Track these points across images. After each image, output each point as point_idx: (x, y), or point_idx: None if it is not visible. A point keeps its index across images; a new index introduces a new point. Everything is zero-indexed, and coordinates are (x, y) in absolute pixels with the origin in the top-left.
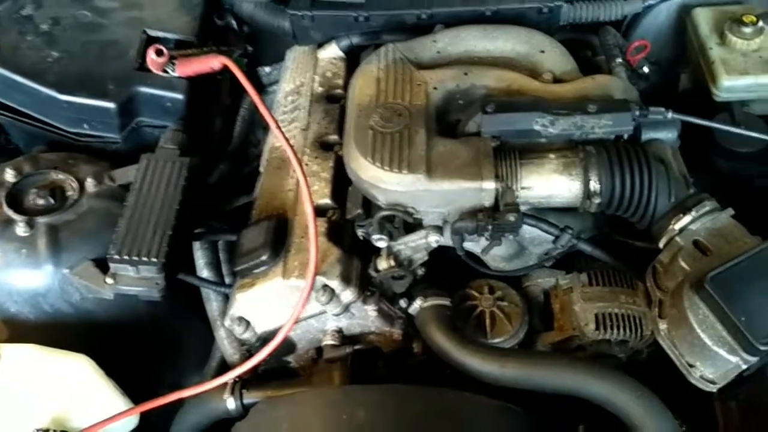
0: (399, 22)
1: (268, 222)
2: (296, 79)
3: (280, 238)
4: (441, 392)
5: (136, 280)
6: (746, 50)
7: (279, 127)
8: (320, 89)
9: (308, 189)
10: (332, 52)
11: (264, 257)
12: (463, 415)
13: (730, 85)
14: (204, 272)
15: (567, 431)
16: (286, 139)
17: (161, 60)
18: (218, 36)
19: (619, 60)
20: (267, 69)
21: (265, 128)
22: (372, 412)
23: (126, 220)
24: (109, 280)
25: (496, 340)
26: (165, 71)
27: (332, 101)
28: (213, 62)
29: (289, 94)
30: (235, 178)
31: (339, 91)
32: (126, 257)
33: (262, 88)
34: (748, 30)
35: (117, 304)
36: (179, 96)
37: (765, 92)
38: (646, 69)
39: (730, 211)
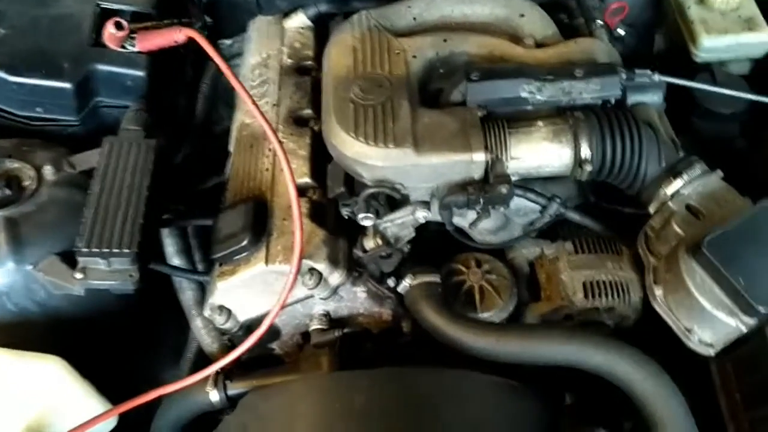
0: None
1: (245, 205)
2: (262, 52)
3: (260, 222)
4: (439, 372)
5: (108, 273)
6: (725, 9)
7: (255, 103)
8: (289, 61)
9: (289, 167)
10: (299, 21)
11: (245, 242)
12: (463, 393)
13: (710, 45)
14: (174, 260)
15: (556, 401)
16: (263, 116)
17: (121, 34)
18: (176, 7)
19: (600, 22)
20: (227, 41)
21: (229, 105)
22: (370, 397)
23: (92, 210)
24: (79, 275)
25: (486, 315)
26: (123, 47)
27: (303, 73)
28: (177, 35)
29: (256, 68)
30: (200, 159)
31: (309, 62)
32: (96, 250)
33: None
34: None
35: (87, 300)
36: (140, 73)
37: (744, 52)
38: (621, 31)
39: (720, 173)
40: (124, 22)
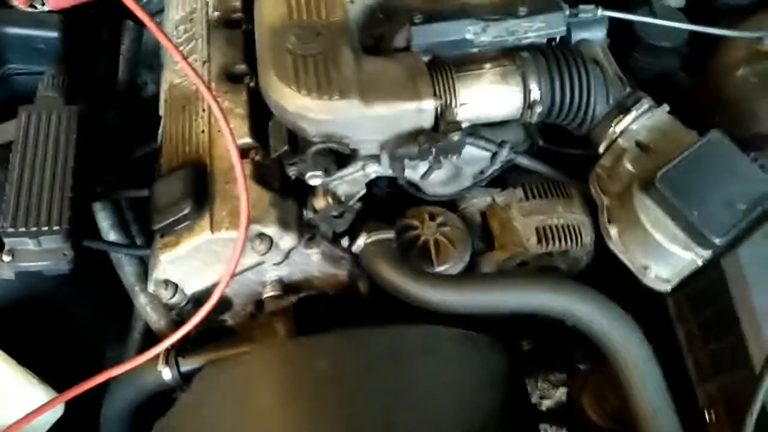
0: None
1: (183, 171)
2: (186, 6)
3: (201, 188)
4: (399, 329)
5: (39, 253)
6: None
7: (185, 58)
8: (216, 14)
9: (229, 127)
10: None
11: (186, 210)
12: (426, 348)
13: None
14: (110, 235)
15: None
16: (194, 70)
17: None
18: None
19: None
20: None
21: (152, 68)
22: (332, 361)
23: (14, 186)
24: (6, 258)
25: (443, 267)
26: (32, 6)
27: (232, 27)
28: None
29: (180, 23)
30: (128, 127)
31: (238, 14)
32: (23, 229)
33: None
34: None
35: (18, 283)
36: (53, 33)
37: None
38: None
39: (666, 107)
40: None
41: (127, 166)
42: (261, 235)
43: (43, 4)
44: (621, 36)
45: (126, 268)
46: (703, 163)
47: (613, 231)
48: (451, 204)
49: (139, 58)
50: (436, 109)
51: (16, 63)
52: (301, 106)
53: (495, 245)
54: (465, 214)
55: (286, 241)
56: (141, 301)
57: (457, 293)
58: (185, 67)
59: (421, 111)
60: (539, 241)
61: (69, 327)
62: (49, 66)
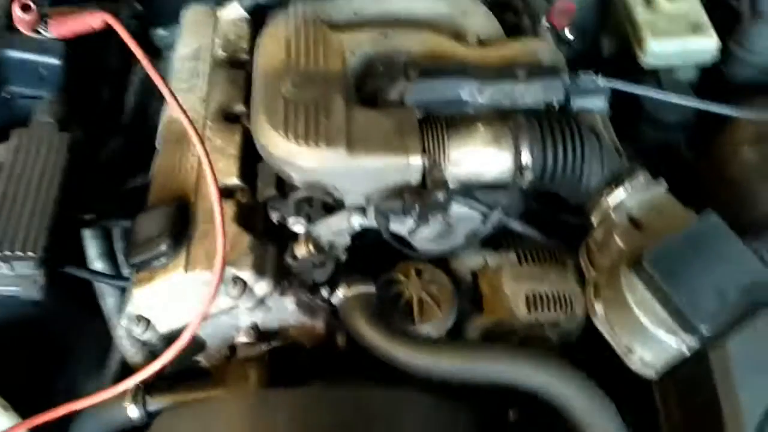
0: None
1: (166, 207)
2: (194, 43)
3: (181, 225)
4: (371, 391)
5: (12, 278)
6: (673, 13)
7: (173, 94)
8: (222, 53)
9: (211, 165)
10: (235, 12)
11: (163, 247)
12: (394, 415)
13: (656, 49)
14: (96, 264)
15: (498, 417)
16: (182, 108)
17: (29, 18)
18: None
19: (546, 23)
20: (162, 31)
21: (163, 98)
22: (294, 417)
23: None
24: None
25: (426, 328)
26: (37, 31)
27: (236, 67)
28: (92, 20)
29: (186, 60)
30: (131, 155)
31: (244, 55)
32: None
33: (157, 53)
34: None
35: None
36: (55, 61)
37: (691, 58)
38: (568, 33)
39: (664, 183)
40: (32, 4)
41: (123, 196)
42: (235, 279)
43: (48, 31)
44: (626, 105)
45: (108, 298)
46: (696, 245)
47: (599, 308)
48: (442, 261)
49: (151, 87)
50: (424, 166)
51: (18, 86)
52: (287, 152)
53: (484, 309)
54: (456, 272)
55: (261, 286)
56: (119, 332)
57: (433, 358)
58: (171, 100)
59: (408, 166)
60: (528, 308)
61: (43, 353)
62: (49, 91)
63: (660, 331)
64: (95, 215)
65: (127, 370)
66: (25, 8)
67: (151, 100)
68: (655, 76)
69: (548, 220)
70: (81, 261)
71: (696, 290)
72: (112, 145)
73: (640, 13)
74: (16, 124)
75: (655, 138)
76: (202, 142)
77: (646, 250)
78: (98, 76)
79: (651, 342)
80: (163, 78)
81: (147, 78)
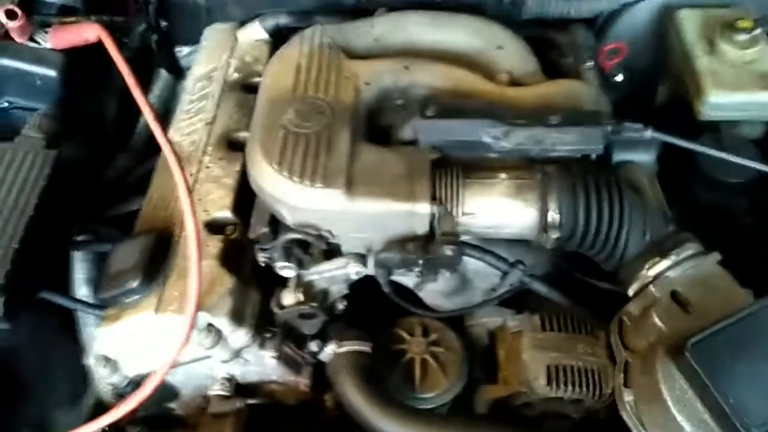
0: (336, 2)
1: (145, 238)
2: (210, 63)
3: (157, 260)
4: None
5: None
6: (738, 61)
7: (157, 118)
8: (236, 75)
9: (190, 198)
10: (255, 32)
11: (134, 283)
12: None
13: (718, 102)
14: (81, 289)
15: None
16: (164, 134)
17: (16, 24)
18: (112, 4)
19: (591, 63)
20: (186, 49)
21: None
22: None
23: None
24: None
25: (427, 396)
26: (35, 41)
27: (249, 91)
28: (87, 32)
29: (200, 80)
30: (137, 176)
31: (258, 79)
32: None
33: (179, 71)
34: (741, 38)
35: None
36: (51, 72)
37: (757, 112)
38: (619, 77)
39: (717, 255)
40: (18, 11)
41: (122, 218)
42: (210, 326)
43: (47, 41)
44: (678, 161)
45: (88, 328)
46: (749, 335)
47: (629, 398)
48: (457, 319)
49: (169, 105)
50: (433, 215)
51: (14, 97)
52: (279, 189)
53: (498, 377)
54: (471, 332)
55: (237, 337)
56: (90, 363)
57: None
58: (153, 125)
59: (414, 215)
60: (549, 382)
61: (13, 383)
62: (45, 104)
63: None
64: (89, 238)
65: (104, 406)
66: (10, 15)
67: (166, 121)
68: (714, 131)
69: (578, 283)
70: (64, 285)
71: (745, 389)
72: (118, 165)
73: (701, 60)
74: (11, 135)
75: (710, 201)
76: (182, 170)
77: (690, 336)
78: (104, 92)
79: None
80: (146, 99)
81: (165, 97)
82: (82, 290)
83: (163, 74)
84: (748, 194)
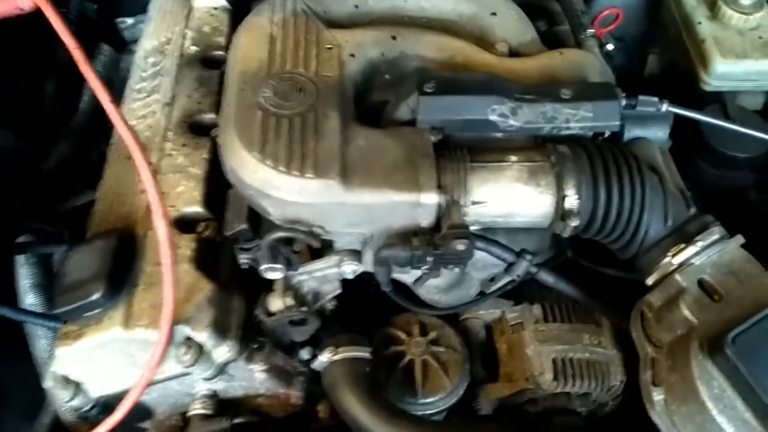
0: None
1: (105, 240)
2: (161, 34)
3: (120, 266)
4: None
5: None
6: (743, 27)
7: (114, 101)
8: (193, 49)
9: (159, 196)
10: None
11: (96, 295)
12: None
13: (724, 71)
14: (29, 297)
15: None
16: (123, 120)
17: None
18: None
19: (591, 31)
20: (129, 20)
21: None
22: None
23: None
24: None
25: (430, 400)
26: None
27: (210, 66)
28: (20, 1)
29: (151, 54)
30: (83, 165)
31: (219, 52)
32: None
33: (122, 44)
34: (746, 2)
35: None
36: None
37: (764, 81)
38: (611, 46)
39: (740, 239)
40: None
41: (67, 215)
42: (189, 341)
43: None
44: (683, 138)
45: (40, 340)
46: None
47: (659, 397)
48: (452, 314)
49: (113, 84)
50: (440, 206)
51: None
52: (263, 180)
53: (500, 373)
54: (467, 326)
55: (221, 352)
56: (47, 385)
57: None
58: (111, 111)
59: (419, 206)
60: (555, 377)
61: None
62: None
63: None
64: (31, 238)
65: (61, 425)
66: None
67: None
68: (718, 101)
69: (583, 269)
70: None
71: None
72: (59, 153)
73: (703, 25)
74: None
75: (718, 178)
76: (148, 163)
77: (729, 329)
78: (42, 69)
79: None
80: (112, 73)
81: (108, 75)
82: (29, 298)
83: (105, 48)
84: (757, 169)
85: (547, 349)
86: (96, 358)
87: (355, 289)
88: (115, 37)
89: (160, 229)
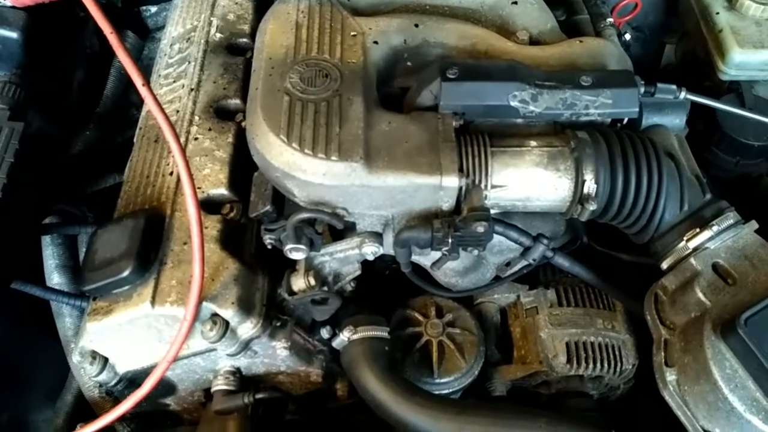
0: None
1: (134, 220)
2: (187, 22)
3: (150, 245)
4: None
5: None
6: (760, 17)
7: (147, 84)
8: (218, 36)
9: (190, 178)
10: None
11: (126, 272)
12: None
13: (742, 60)
14: (55, 277)
15: None
16: (156, 101)
17: None
18: None
19: (610, 20)
20: (153, 8)
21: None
22: None
23: None
24: None
25: (445, 380)
26: None
27: (235, 53)
28: None
29: (177, 41)
30: (107, 149)
31: (244, 40)
32: None
33: (146, 33)
34: None
35: None
36: (12, 34)
37: None
38: (628, 36)
39: (754, 224)
40: None
41: (93, 197)
42: (215, 317)
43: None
44: (698, 125)
45: (65, 319)
46: None
47: (671, 377)
48: (467, 297)
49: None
50: (461, 189)
51: None
52: (289, 162)
53: (514, 356)
54: (482, 309)
55: (246, 328)
56: (76, 360)
57: (457, 426)
58: (143, 92)
59: (441, 189)
60: (569, 360)
61: None
62: (4, 70)
63: (753, 416)
64: (58, 218)
65: (83, 402)
66: None
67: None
68: (735, 91)
69: (597, 254)
70: (38, 272)
71: None
72: (85, 137)
73: (721, 15)
74: None
75: (732, 164)
76: (179, 145)
77: (741, 311)
78: (71, 57)
79: (739, 428)
80: (138, 60)
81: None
82: (55, 278)
83: (130, 35)
84: None
85: (561, 333)
86: (124, 334)
87: (372, 271)
88: (139, 24)
89: (191, 208)
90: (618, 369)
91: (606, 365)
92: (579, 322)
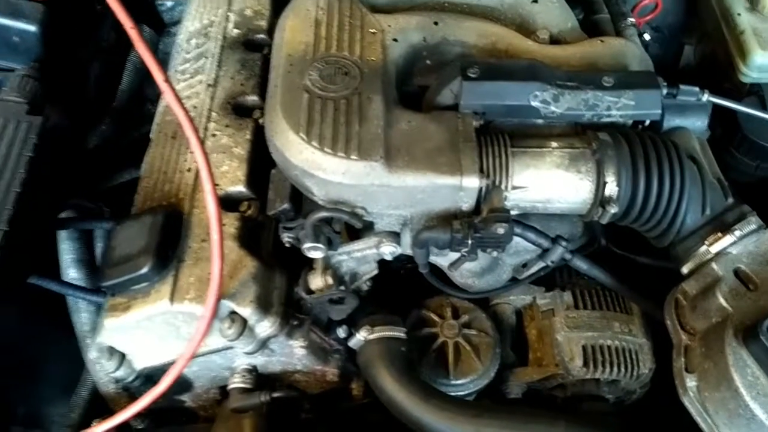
0: None
1: (153, 216)
2: (204, 17)
3: (169, 242)
4: None
5: None
6: None
7: (168, 81)
8: (236, 32)
9: (210, 175)
10: None
11: (144, 269)
12: None
13: (763, 63)
14: (71, 272)
15: None
16: (176, 96)
17: None
18: None
19: (632, 20)
20: (169, 3)
21: None
22: None
23: None
24: None
25: (461, 381)
26: None
27: (252, 49)
28: None
29: (194, 36)
30: (123, 144)
31: (262, 36)
32: None
33: (161, 27)
34: None
35: None
36: (31, 27)
37: None
38: (647, 36)
39: None
40: None
41: (109, 192)
42: (233, 315)
43: None
44: (716, 128)
45: (81, 314)
46: None
47: (691, 383)
48: (483, 298)
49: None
50: (481, 190)
51: None
52: (308, 161)
53: (529, 358)
54: (497, 311)
55: (264, 327)
56: (92, 356)
57: (474, 428)
58: (163, 87)
59: (461, 189)
60: (585, 363)
61: (6, 374)
62: (23, 63)
63: None
64: (74, 213)
65: (98, 397)
66: None
67: (151, 81)
68: (756, 93)
69: (614, 257)
70: (54, 267)
71: None
72: (101, 132)
73: (743, 17)
74: None
75: (753, 168)
76: (199, 141)
77: (763, 318)
78: (88, 51)
79: None
80: (156, 55)
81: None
82: (71, 273)
83: (146, 29)
84: None
85: (578, 336)
86: (142, 331)
87: (387, 271)
88: (154, 18)
89: (210, 205)
90: (635, 373)
91: (623, 369)
92: (595, 325)
